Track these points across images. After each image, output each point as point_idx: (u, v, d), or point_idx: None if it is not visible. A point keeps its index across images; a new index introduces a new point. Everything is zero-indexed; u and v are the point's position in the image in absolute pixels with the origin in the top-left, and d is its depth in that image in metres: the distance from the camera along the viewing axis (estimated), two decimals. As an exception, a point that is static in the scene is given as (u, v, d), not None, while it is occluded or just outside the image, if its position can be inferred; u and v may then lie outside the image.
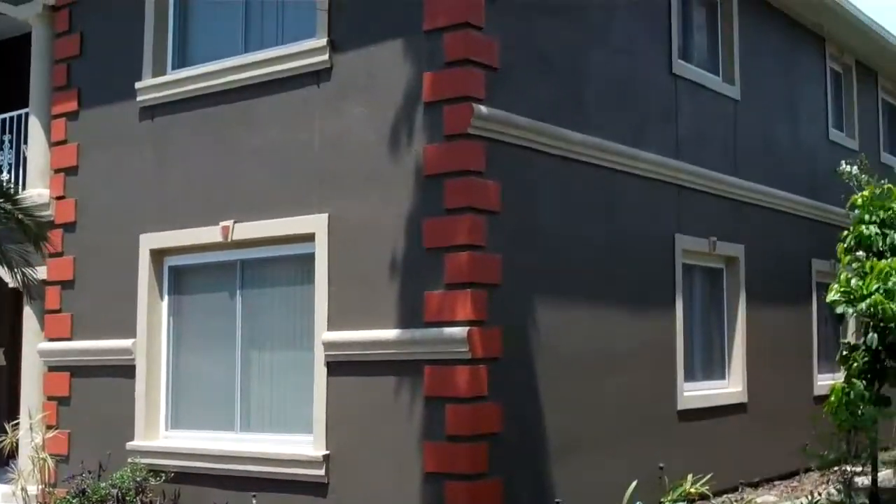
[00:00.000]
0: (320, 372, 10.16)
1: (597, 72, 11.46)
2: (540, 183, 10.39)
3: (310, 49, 10.56)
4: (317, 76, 10.54)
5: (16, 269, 10.89)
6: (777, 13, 15.86)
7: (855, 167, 15.49)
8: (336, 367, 10.08)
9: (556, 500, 10.00)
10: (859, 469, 10.93)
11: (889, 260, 11.86)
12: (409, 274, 9.65)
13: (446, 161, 9.53)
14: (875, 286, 11.54)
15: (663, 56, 12.79)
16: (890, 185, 13.20)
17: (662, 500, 11.36)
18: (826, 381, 14.32)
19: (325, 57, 10.40)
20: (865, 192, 13.02)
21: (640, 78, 12.28)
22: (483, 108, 9.54)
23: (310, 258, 10.34)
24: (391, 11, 10.11)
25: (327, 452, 10.02)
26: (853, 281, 11.92)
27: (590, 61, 11.38)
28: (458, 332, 9.24)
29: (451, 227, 9.40)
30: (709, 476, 11.99)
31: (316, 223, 10.26)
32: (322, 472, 10.02)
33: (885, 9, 30.40)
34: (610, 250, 11.37)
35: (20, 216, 10.73)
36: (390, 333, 9.66)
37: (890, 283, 11.51)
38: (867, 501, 11.85)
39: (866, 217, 12.69)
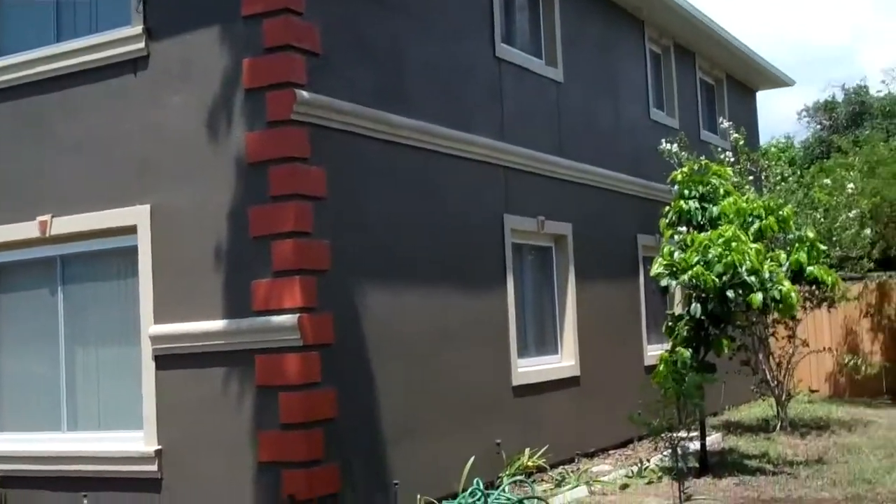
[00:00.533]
0: (148, 366, 9.95)
1: (420, 56, 11.50)
2: (366, 168, 10.38)
3: (125, 37, 10.29)
4: (133, 64, 10.29)
5: None
6: (596, -5, 16.20)
7: (675, 145, 16.02)
8: (164, 361, 9.88)
9: (395, 481, 10.04)
10: (688, 435, 11.29)
11: (708, 233, 12.29)
12: (236, 263, 9.53)
13: (269, 148, 9.43)
14: (696, 258, 11.95)
15: (486, 40, 12.91)
16: (708, 161, 13.69)
17: (501, 475, 11.53)
18: (656, 352, 14.73)
19: (142, 45, 10.16)
20: (685, 169, 13.47)
21: (463, 62, 12.38)
22: (305, 94, 9.47)
23: (132, 251, 10.10)
24: (206, -3, 9.95)
25: (159, 447, 9.83)
26: (676, 254, 12.33)
27: (413, 46, 11.41)
28: (288, 319, 9.16)
29: (276, 214, 9.31)
30: (545, 448, 12.25)
31: (137, 215, 10.03)
32: (154, 467, 9.82)
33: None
34: (439, 233, 11.44)
35: None
36: (219, 324, 9.52)
37: (709, 255, 11.94)
38: (697, 465, 12.29)
39: (686, 192, 13.13)
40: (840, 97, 39.32)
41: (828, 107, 39.18)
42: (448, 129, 11.64)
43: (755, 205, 13.06)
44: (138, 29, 10.18)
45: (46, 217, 10.59)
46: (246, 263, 9.45)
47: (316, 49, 9.80)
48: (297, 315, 9.16)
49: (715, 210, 12.85)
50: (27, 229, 10.73)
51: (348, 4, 10.40)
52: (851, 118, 38.00)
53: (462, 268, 11.79)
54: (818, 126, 39.54)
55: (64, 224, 10.52)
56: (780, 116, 65.42)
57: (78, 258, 10.74)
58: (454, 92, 12.10)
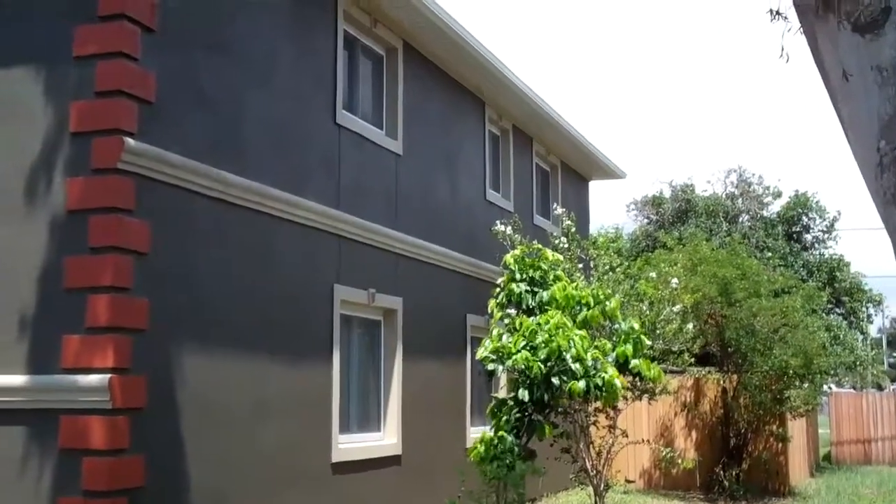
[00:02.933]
0: (-60, 422, 9.19)
1: (259, 115, 11.18)
2: (195, 225, 9.94)
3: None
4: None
5: None
6: (441, 73, 16.22)
7: (509, 227, 16.05)
8: (-41, 417, 9.14)
9: (199, 559, 9.48)
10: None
11: (536, 318, 12.25)
12: (47, 315, 8.92)
13: (92, 196, 8.92)
14: (522, 343, 11.88)
15: (328, 105, 12.68)
16: (540, 246, 13.72)
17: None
18: (477, 434, 14.55)
19: (-35, 79, 9.56)
20: (517, 252, 13.46)
21: (303, 125, 12.10)
22: (133, 143, 9.02)
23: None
24: (37, 34, 9.41)
25: (-57, 512, 9.05)
26: (504, 337, 12.24)
27: (252, 103, 11.08)
28: (98, 380, 8.60)
29: (94, 266, 8.78)
30: (359, 531, 11.82)
31: (-59, 257, 9.32)
32: (-65, 534, 9.03)
33: (541, 76, 32.07)
34: (267, 298, 11.04)
35: None
36: (22, 379, 8.87)
37: (536, 341, 11.88)
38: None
39: (517, 275, 13.10)
40: (668, 193, 40.66)
41: (655, 202, 40.43)
42: (283, 193, 11.31)
43: (583, 293, 13.11)
44: (-40, 61, 9.58)
45: None
46: (58, 317, 8.86)
47: (149, 97, 9.38)
48: (108, 376, 8.60)
49: (544, 295, 12.86)
50: None
51: (188, 53, 10.03)
52: (677, 214, 39.30)
53: (288, 337, 11.39)
54: (645, 219, 40.73)
55: None
56: (610, 206, 67.48)
57: None
58: (291, 154, 11.79)
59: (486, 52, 16.32)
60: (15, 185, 9.19)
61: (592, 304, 12.98)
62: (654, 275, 16.86)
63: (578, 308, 12.93)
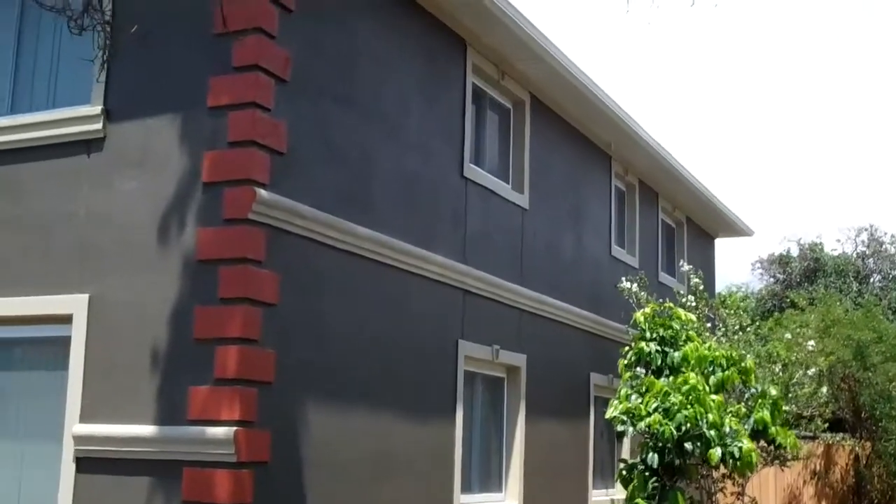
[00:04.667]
0: (68, 468, 9.16)
1: (388, 167, 11.08)
2: (323, 277, 9.83)
3: (82, 116, 9.75)
4: (87, 145, 9.74)
5: None
6: (568, 126, 16.01)
7: (635, 284, 15.67)
8: (87, 464, 9.10)
9: None
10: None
11: (669, 379, 11.84)
12: (175, 366, 8.85)
13: (222, 247, 8.86)
14: (654, 405, 11.47)
15: (455, 158, 12.55)
16: (671, 304, 13.31)
17: None
18: (600, 497, 14.14)
19: (99, 126, 9.63)
20: (647, 310, 13.08)
21: (431, 178, 11.97)
22: (265, 194, 8.96)
23: (65, 341, 9.37)
24: (173, 84, 9.46)
25: (67, 559, 9.00)
26: (633, 397, 11.84)
27: (381, 156, 10.99)
28: (223, 432, 8.47)
29: (223, 317, 8.69)
30: None
31: (74, 303, 9.34)
32: (59, 581, 8.98)
33: (667, 129, 31.63)
34: (393, 352, 10.85)
35: None
36: (148, 429, 8.81)
37: (668, 403, 11.46)
38: None
39: (647, 334, 12.71)
40: (795, 251, 39.66)
41: (782, 260, 39.43)
42: (410, 246, 11.16)
43: (717, 353, 12.65)
44: (97, 108, 9.67)
45: (-25, 297, 9.87)
46: (185, 367, 8.78)
47: (281, 148, 9.33)
48: (234, 428, 8.48)
49: (676, 355, 12.43)
50: (-48, 308, 9.98)
51: (319, 104, 9.99)
52: (805, 274, 38.24)
53: (413, 392, 11.18)
54: (771, 279, 39.73)
55: (-6, 306, 9.80)
56: (734, 264, 66.07)
57: (6, 343, 9.97)
58: (419, 207, 11.65)
59: (613, 105, 16.06)
60: (148, 234, 9.19)
61: (726, 365, 12.50)
62: (788, 336, 16.26)
63: (711, 369, 12.46)
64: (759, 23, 73.85)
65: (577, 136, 16.41)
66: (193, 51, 9.43)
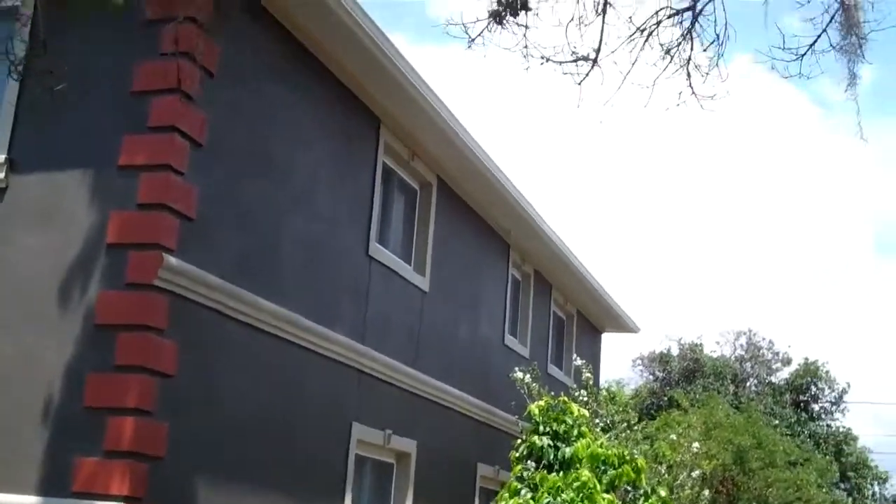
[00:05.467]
0: (-67, 535, 8.61)
1: (295, 239, 10.86)
2: (222, 349, 9.53)
3: (-18, 164, 9.34)
4: (-13, 195, 9.32)
5: None
6: (471, 211, 16.01)
7: (528, 375, 15.59)
8: (-46, 532, 8.56)
9: None
10: None
11: (562, 474, 11.73)
12: (63, 434, 8.41)
13: (123, 312, 8.52)
14: (546, 501, 11.33)
15: (361, 236, 12.39)
16: (565, 398, 13.26)
17: None
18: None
19: (1, 175, 9.23)
20: (542, 403, 12.98)
21: (336, 253, 11.78)
22: (173, 260, 8.67)
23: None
24: (84, 139, 9.15)
25: None
26: (523, 492, 11.69)
27: (289, 227, 10.76)
28: (109, 507, 8.05)
29: (118, 386, 8.32)
30: None
31: (-43, 360, 8.85)
32: None
33: (565, 224, 32.03)
34: (287, 430, 10.54)
35: None
36: (31, 500, 8.31)
37: (559, 500, 11.34)
38: None
39: (541, 427, 12.60)
40: (675, 350, 40.27)
41: (663, 358, 39.97)
42: (311, 323, 10.91)
43: (609, 451, 12.59)
44: (0, 157, 9.27)
45: None
46: (74, 435, 8.34)
47: (191, 213, 9.07)
48: None
49: (568, 450, 12.33)
50: None
51: (231, 170, 9.75)
52: (684, 373, 38.80)
53: (303, 473, 10.84)
54: (651, 376, 40.23)
55: None
56: (614, 359, 66.81)
57: None
58: (323, 282, 11.43)
59: (515, 193, 16.12)
60: (46, 291, 8.79)
61: (618, 463, 12.45)
62: (674, 437, 16.36)
63: (604, 468, 12.39)
64: (658, 132, 75.99)
65: (479, 222, 16.42)
66: (108, 108, 9.15)
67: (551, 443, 12.47)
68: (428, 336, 14.23)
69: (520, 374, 15.62)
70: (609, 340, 24.75)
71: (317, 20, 10.62)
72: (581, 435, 12.70)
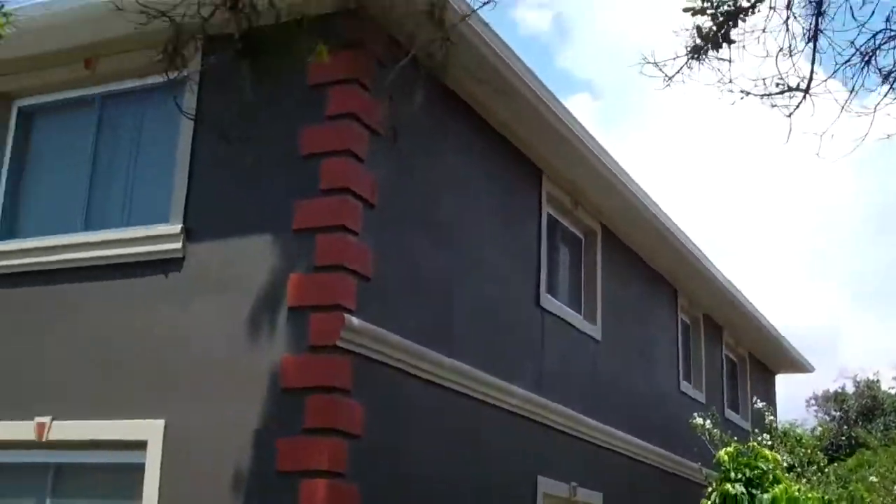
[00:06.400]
0: None
1: (468, 295, 10.73)
2: (407, 408, 9.42)
3: (161, 235, 9.47)
4: (166, 265, 9.43)
5: None
6: (636, 257, 15.69)
7: (708, 421, 15.08)
8: None
9: None
10: None
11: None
12: (256, 500, 8.37)
13: (309, 375, 8.47)
14: (745, 550, 10.82)
15: (531, 288, 12.22)
16: (755, 443, 12.73)
17: None
18: None
19: (178, 245, 9.34)
20: (730, 449, 12.47)
21: (509, 307, 11.63)
22: (354, 320, 8.61)
23: (139, 469, 8.90)
24: (257, 204, 9.18)
25: None
26: (721, 541, 11.20)
27: (462, 284, 10.66)
28: (305, 571, 7.96)
29: (309, 449, 8.24)
30: None
31: (149, 429, 8.91)
32: None
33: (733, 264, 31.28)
34: (474, 486, 10.35)
35: None
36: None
37: (759, 548, 10.82)
38: None
39: (732, 474, 12.08)
40: (850, 388, 38.68)
41: (838, 397, 38.48)
42: (492, 377, 10.74)
43: (809, 496, 11.99)
44: (177, 227, 9.40)
45: (46, 419, 9.44)
46: (267, 501, 8.30)
47: (368, 273, 9.00)
48: (316, 568, 7.97)
49: (765, 497, 11.76)
50: (22, 430, 9.52)
51: (402, 231, 9.69)
52: (862, 412, 37.20)
53: (490, 531, 10.62)
54: (826, 416, 38.73)
55: (64, 429, 9.34)
56: (787, 401, 64.52)
57: (75, 469, 9.51)
58: (498, 337, 11.27)
59: (682, 237, 15.76)
60: (228, 359, 8.82)
61: (818, 509, 11.85)
62: (874, 479, 15.55)
63: (803, 514, 11.78)
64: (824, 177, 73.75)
65: (645, 268, 16.09)
66: (280, 171, 9.19)
67: (744, 490, 11.92)
68: (604, 385, 13.92)
69: (699, 421, 15.12)
70: (781, 381, 23.96)
71: (476, 76, 10.55)
72: (776, 480, 12.13)
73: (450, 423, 10.09)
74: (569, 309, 13.36)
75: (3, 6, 6.32)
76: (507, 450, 11.13)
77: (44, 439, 9.42)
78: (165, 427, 8.87)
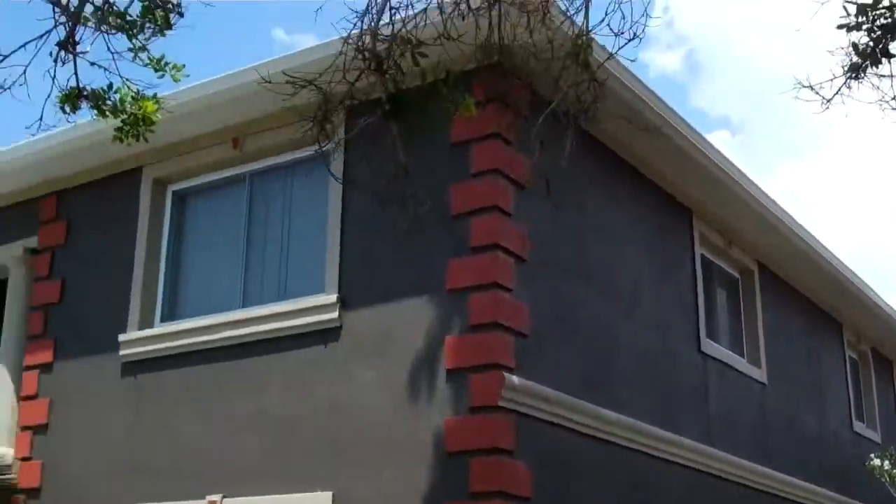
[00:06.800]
0: None
1: (626, 345, 10.51)
2: (571, 466, 9.20)
3: (318, 305, 9.54)
4: (324, 335, 9.48)
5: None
6: (797, 294, 15.17)
7: (887, 462, 14.43)
8: None
9: None
10: None
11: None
12: (427, 569, 8.28)
13: (472, 437, 8.36)
14: None
15: (691, 333, 11.89)
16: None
17: None
18: None
19: (335, 315, 9.39)
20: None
21: (669, 355, 11.32)
22: (514, 379, 8.47)
23: (310, 543, 8.93)
24: (409, 267, 9.17)
25: None
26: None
27: (619, 333, 10.44)
28: None
29: (476, 514, 8.12)
30: None
31: (319, 502, 8.90)
32: None
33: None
34: (645, 546, 10.05)
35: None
36: None
37: None
38: None
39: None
40: None
41: None
42: (657, 429, 10.45)
43: None
44: (332, 297, 9.44)
45: (216, 497, 9.52)
46: (438, 570, 8.20)
47: (524, 330, 8.87)
48: None
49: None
50: (194, 508, 9.68)
51: (556, 283, 9.56)
52: None
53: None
54: None
55: (235, 506, 9.45)
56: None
57: (243, 545, 9.60)
58: (660, 387, 10.98)
59: (844, 269, 15.19)
60: (391, 425, 8.78)
61: None
62: None
63: None
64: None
65: (807, 304, 15.54)
66: (430, 232, 9.15)
67: (933, 534, 11.33)
68: (773, 431, 13.42)
69: (877, 462, 14.49)
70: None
71: (622, 122, 10.37)
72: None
73: (617, 478, 9.83)
74: (731, 353, 12.96)
75: (155, 94, 6.42)
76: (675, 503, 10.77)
77: (215, 517, 9.51)
78: (333, 498, 8.85)
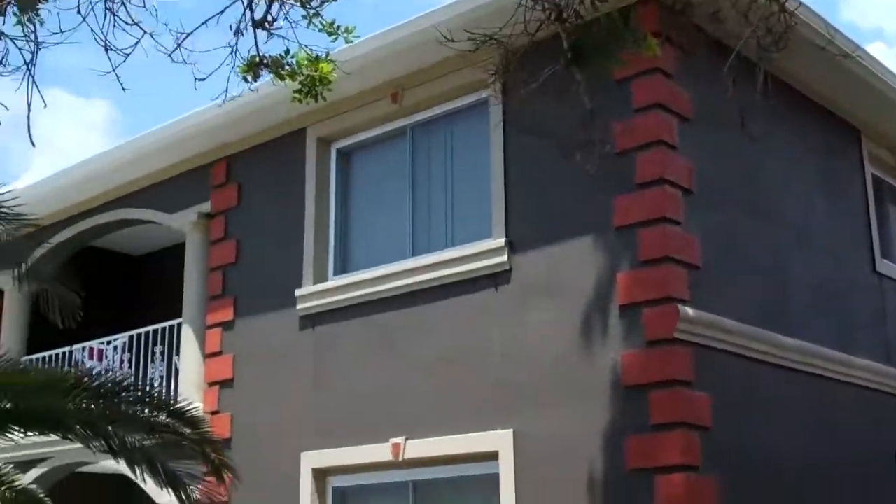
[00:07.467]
0: None
1: (799, 272, 10.36)
2: (751, 395, 9.18)
3: (486, 250, 9.70)
4: (494, 279, 9.64)
5: (183, 494, 8.68)
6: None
7: None
8: None
9: None
10: None
11: None
12: (610, 499, 8.41)
13: (649, 370, 8.42)
14: None
15: (865, 254, 11.64)
16: None
17: None
18: None
19: (504, 258, 9.53)
20: None
21: (843, 278, 11.12)
22: (689, 311, 8.49)
23: (493, 479, 9.15)
24: (574, 209, 9.23)
25: None
26: None
27: (791, 261, 10.31)
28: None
29: (660, 445, 8.20)
30: None
31: (499, 440, 9.13)
32: None
33: None
34: (832, 472, 9.95)
35: (191, 435, 9.23)
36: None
37: None
38: None
39: None
40: None
41: None
42: (836, 352, 10.32)
43: None
44: (500, 241, 9.58)
45: (400, 439, 9.87)
46: (621, 500, 8.33)
47: (696, 262, 8.86)
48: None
49: None
50: (379, 452, 10.01)
51: (725, 214, 9.49)
52: None
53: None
54: None
55: (418, 448, 9.74)
56: None
57: (432, 485, 9.92)
58: (836, 310, 10.81)
59: None
60: (565, 364, 8.93)
61: None
62: None
63: None
64: None
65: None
66: (594, 171, 9.15)
67: None
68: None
69: None
70: None
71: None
72: None
73: (797, 404, 9.76)
74: (908, 271, 12.63)
75: (327, 54, 6.65)
76: (859, 428, 10.63)
77: (400, 459, 9.84)
78: (514, 436, 9.06)
